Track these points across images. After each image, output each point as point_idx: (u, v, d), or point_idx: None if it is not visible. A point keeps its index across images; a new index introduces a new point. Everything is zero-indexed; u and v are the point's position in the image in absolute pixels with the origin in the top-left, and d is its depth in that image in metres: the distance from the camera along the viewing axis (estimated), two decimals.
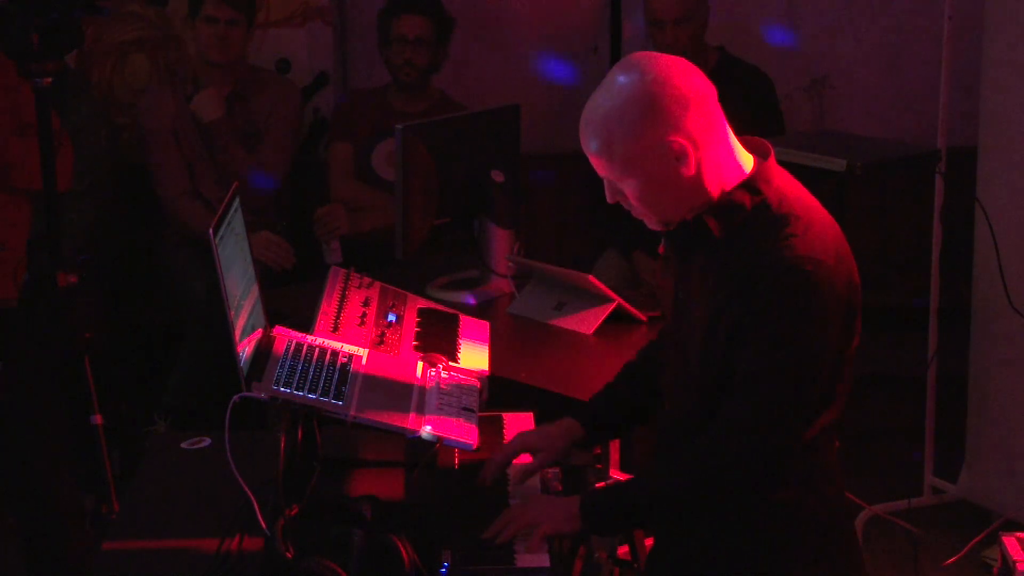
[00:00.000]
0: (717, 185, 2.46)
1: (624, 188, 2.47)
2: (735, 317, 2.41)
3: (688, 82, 2.43)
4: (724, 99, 2.49)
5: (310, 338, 2.79)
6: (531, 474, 2.68)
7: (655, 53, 2.47)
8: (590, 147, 2.46)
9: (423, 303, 3.25)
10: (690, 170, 2.43)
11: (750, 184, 2.46)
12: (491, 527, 2.50)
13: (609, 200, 2.52)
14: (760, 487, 2.46)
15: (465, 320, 3.23)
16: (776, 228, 2.42)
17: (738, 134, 2.53)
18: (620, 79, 2.43)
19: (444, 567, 2.38)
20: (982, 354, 4.32)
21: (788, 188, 2.49)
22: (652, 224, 2.54)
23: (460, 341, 3.10)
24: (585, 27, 5.53)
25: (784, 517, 2.49)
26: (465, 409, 2.70)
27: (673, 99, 2.40)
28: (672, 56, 2.47)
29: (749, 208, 2.45)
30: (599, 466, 3.28)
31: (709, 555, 2.53)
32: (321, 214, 4.74)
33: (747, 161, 2.50)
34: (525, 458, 2.75)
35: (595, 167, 2.48)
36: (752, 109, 4.58)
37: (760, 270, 2.40)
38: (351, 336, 2.89)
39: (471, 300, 3.84)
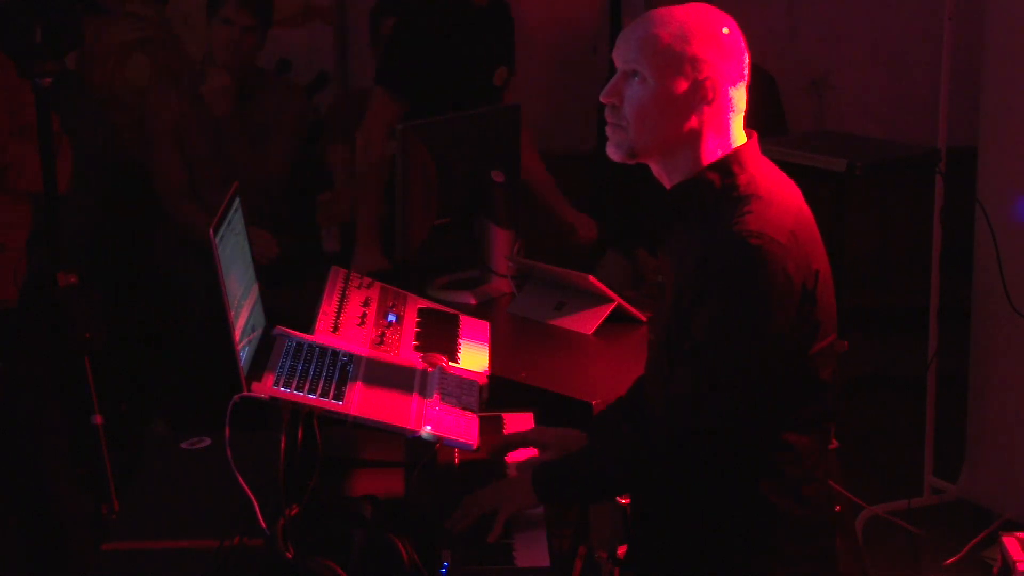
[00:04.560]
0: (708, 156, 2.48)
1: (633, 88, 2.46)
2: (690, 296, 2.42)
3: (744, 59, 2.49)
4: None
5: (310, 338, 2.79)
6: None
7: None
8: (635, 28, 2.47)
9: (423, 303, 3.25)
10: (695, 122, 2.45)
11: (723, 164, 2.48)
12: (452, 517, 2.51)
13: (603, 97, 2.49)
14: (702, 466, 2.43)
15: (465, 320, 3.23)
16: (735, 207, 2.43)
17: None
18: (710, 9, 2.50)
19: (444, 567, 2.38)
20: (982, 354, 4.32)
21: (761, 174, 2.50)
22: (614, 148, 2.51)
23: (460, 341, 3.10)
24: (585, 28, 5.53)
25: (761, 517, 2.47)
26: (465, 409, 2.71)
27: (737, 58, 2.47)
28: None
29: (718, 187, 2.47)
30: None
31: (687, 555, 2.53)
32: (325, 200, 4.73)
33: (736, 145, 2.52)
34: (532, 451, 2.77)
35: (623, 56, 2.48)
36: (753, 108, 4.56)
37: (710, 246, 2.41)
38: (351, 336, 2.89)
39: (471, 300, 3.84)
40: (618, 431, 2.66)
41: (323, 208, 4.73)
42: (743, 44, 2.50)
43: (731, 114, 2.49)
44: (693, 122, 2.46)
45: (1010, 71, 4.11)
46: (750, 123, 2.57)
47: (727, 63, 2.46)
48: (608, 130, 2.51)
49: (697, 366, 2.40)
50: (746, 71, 2.50)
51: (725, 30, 2.47)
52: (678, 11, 2.48)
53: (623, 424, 2.71)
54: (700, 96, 2.45)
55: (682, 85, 2.44)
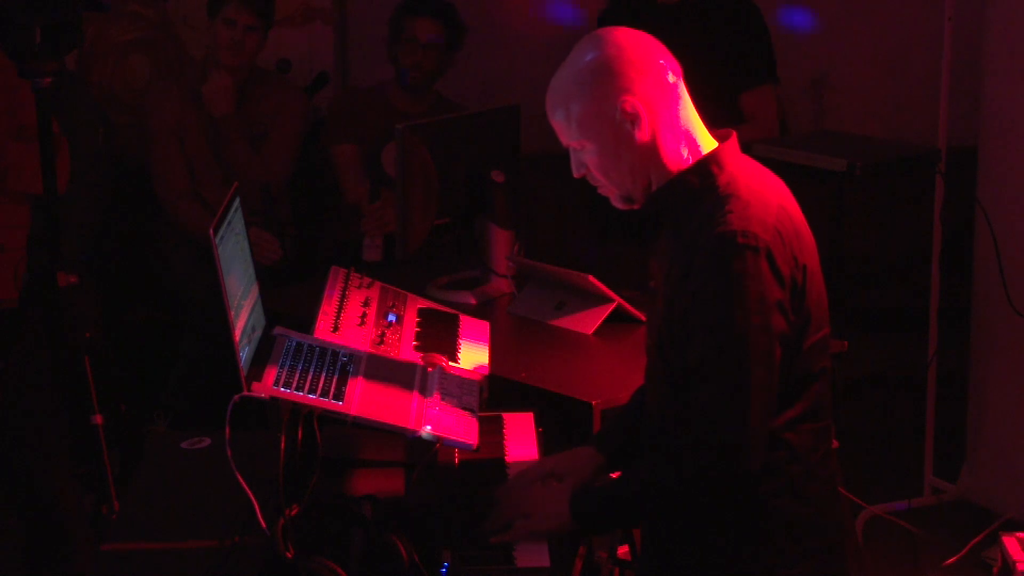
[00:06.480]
0: (674, 159, 2.49)
1: (585, 157, 2.52)
2: (682, 301, 2.42)
3: (647, 51, 2.49)
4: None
5: (310, 338, 2.79)
6: None
7: (619, 27, 2.53)
8: (552, 113, 2.52)
9: (423, 303, 3.25)
10: (644, 135, 2.47)
11: (701, 166, 2.49)
12: (489, 519, 2.51)
13: (575, 174, 2.55)
14: (741, 477, 2.41)
15: (465, 320, 3.23)
16: (716, 207, 2.43)
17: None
18: (582, 48, 2.51)
19: (444, 567, 2.38)
20: (982, 354, 4.32)
21: (741, 173, 2.50)
22: (615, 201, 2.56)
23: (460, 341, 3.10)
24: (583, 24, 5.53)
25: (764, 515, 2.47)
26: (465, 409, 2.71)
27: (629, 63, 2.46)
28: (635, 30, 2.52)
29: (698, 188, 2.47)
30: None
31: (689, 554, 2.52)
32: (373, 209, 4.68)
33: (708, 144, 2.52)
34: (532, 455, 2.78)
35: (558, 135, 2.54)
36: (734, 33, 4.03)
37: (695, 249, 2.42)
38: (351, 336, 2.89)
39: (471, 300, 3.84)
40: (647, 461, 2.61)
41: (372, 216, 4.63)
42: (643, 45, 2.49)
43: (683, 118, 2.49)
44: (643, 136, 2.47)
45: (1010, 71, 4.11)
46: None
47: (637, 78, 2.46)
48: (600, 192, 2.57)
49: (711, 378, 2.38)
50: (663, 64, 2.48)
51: (611, 52, 2.46)
52: (567, 74, 2.50)
53: (647, 451, 2.66)
54: (631, 118, 2.46)
55: (615, 130, 2.47)
